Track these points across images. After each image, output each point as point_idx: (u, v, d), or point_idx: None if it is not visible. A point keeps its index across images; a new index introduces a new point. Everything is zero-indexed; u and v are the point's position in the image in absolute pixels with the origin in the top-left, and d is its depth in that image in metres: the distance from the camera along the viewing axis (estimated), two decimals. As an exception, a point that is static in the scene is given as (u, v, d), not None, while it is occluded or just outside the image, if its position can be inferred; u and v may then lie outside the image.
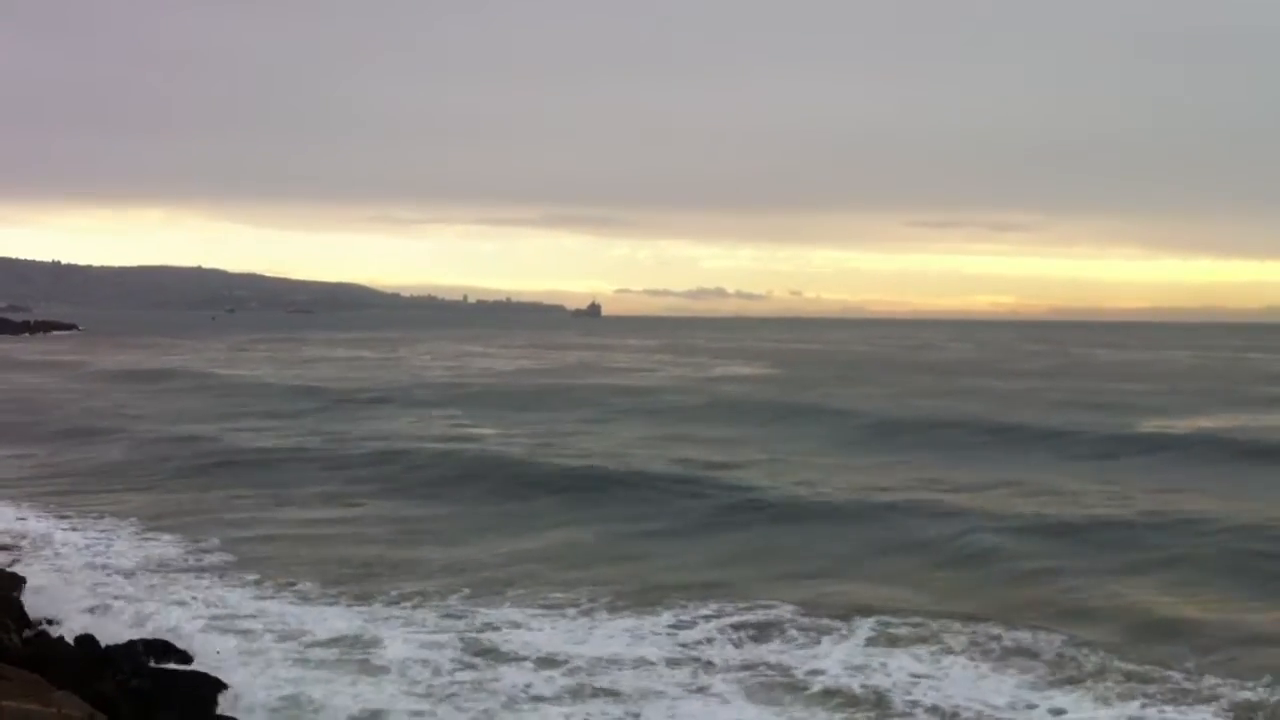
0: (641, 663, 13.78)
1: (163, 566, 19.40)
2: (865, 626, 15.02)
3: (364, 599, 17.04)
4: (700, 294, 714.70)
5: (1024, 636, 14.61)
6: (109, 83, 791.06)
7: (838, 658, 13.93)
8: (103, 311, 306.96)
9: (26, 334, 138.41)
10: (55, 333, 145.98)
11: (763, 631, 15.18)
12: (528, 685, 13.01)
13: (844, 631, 14.95)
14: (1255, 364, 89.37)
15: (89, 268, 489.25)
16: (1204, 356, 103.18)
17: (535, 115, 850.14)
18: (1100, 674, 13.34)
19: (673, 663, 13.82)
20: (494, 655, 14.09)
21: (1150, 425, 37.86)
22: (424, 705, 12.50)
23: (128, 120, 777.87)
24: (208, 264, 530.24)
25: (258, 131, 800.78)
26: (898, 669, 13.53)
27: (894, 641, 14.56)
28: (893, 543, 20.60)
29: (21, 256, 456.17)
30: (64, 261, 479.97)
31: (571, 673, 13.40)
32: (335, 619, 15.83)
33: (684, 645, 14.61)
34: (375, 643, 14.54)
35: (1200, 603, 16.36)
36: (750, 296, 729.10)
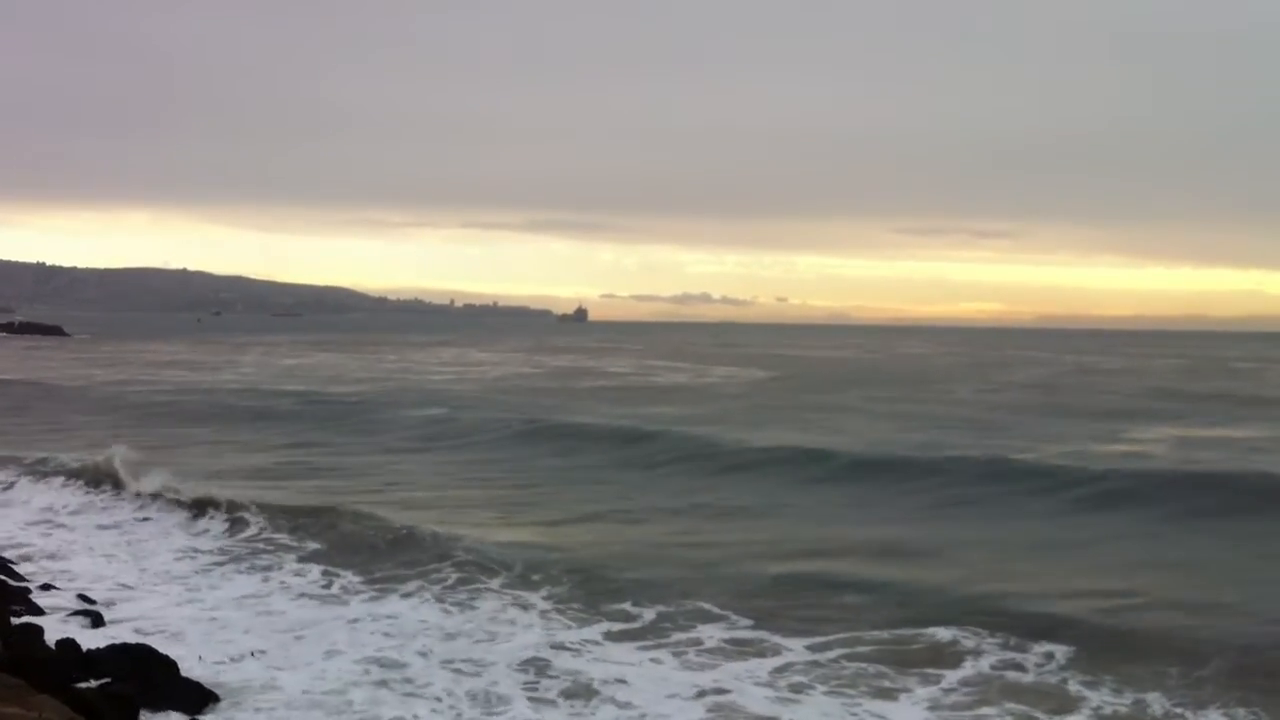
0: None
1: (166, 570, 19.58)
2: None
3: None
4: (686, 299, 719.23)
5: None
6: (92, 83, 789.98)
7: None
8: (88, 314, 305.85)
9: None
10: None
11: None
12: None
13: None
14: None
15: (74, 269, 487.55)
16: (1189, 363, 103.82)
17: (520, 118, 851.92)
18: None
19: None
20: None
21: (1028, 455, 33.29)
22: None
23: (112, 121, 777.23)
24: (193, 266, 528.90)
25: (243, 133, 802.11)
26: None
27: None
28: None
29: (5, 258, 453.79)
30: (49, 263, 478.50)
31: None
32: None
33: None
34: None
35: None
36: (736, 302, 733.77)
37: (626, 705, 12.97)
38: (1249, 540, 22.68)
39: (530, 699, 13.14)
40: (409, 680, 13.58)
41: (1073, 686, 13.77)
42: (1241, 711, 12.86)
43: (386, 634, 15.52)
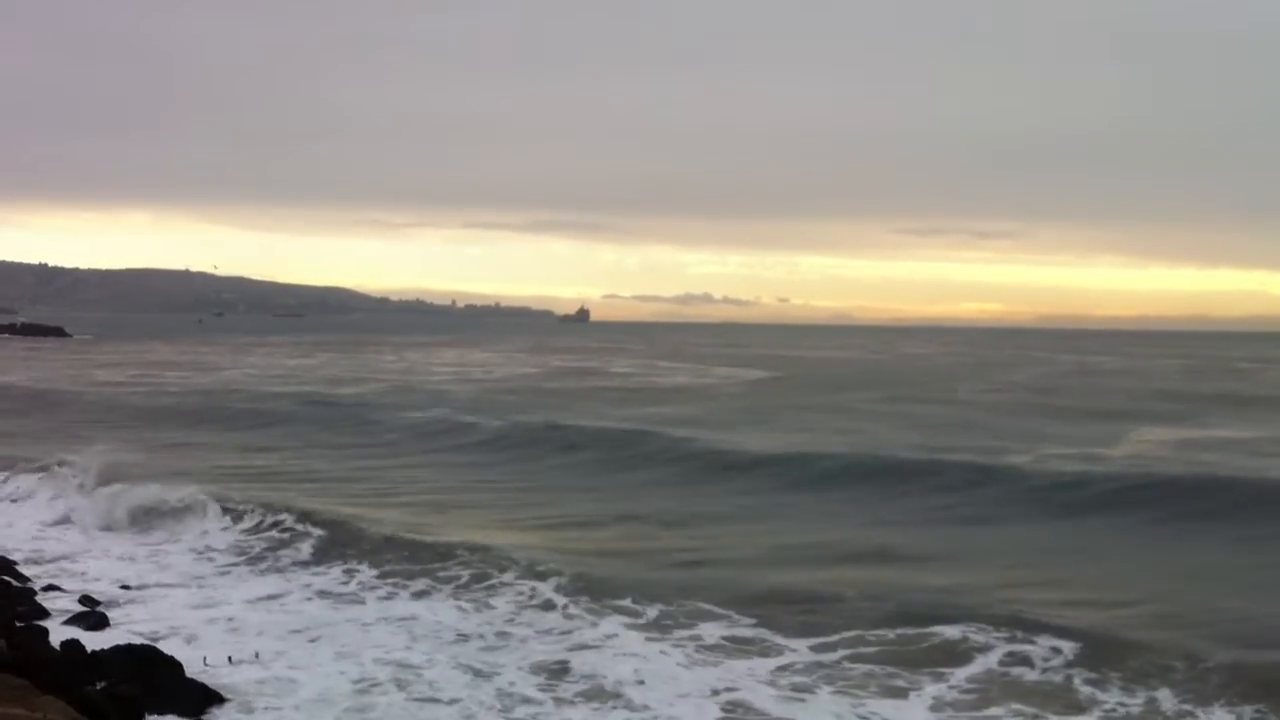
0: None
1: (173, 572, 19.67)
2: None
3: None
4: (688, 299, 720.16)
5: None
6: (92, 83, 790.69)
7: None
8: (90, 314, 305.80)
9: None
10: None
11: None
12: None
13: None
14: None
15: (75, 270, 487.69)
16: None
17: (520, 118, 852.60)
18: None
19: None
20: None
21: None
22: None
23: (112, 121, 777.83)
24: (195, 267, 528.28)
25: (243, 133, 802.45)
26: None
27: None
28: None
29: (7, 258, 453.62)
30: (50, 264, 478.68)
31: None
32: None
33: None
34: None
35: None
36: (739, 303, 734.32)
37: (643, 708, 12.99)
38: (1251, 542, 22.67)
39: (547, 699, 13.18)
40: (426, 682, 13.60)
41: (1080, 684, 13.82)
42: (1248, 709, 12.90)
43: (400, 634, 15.57)
